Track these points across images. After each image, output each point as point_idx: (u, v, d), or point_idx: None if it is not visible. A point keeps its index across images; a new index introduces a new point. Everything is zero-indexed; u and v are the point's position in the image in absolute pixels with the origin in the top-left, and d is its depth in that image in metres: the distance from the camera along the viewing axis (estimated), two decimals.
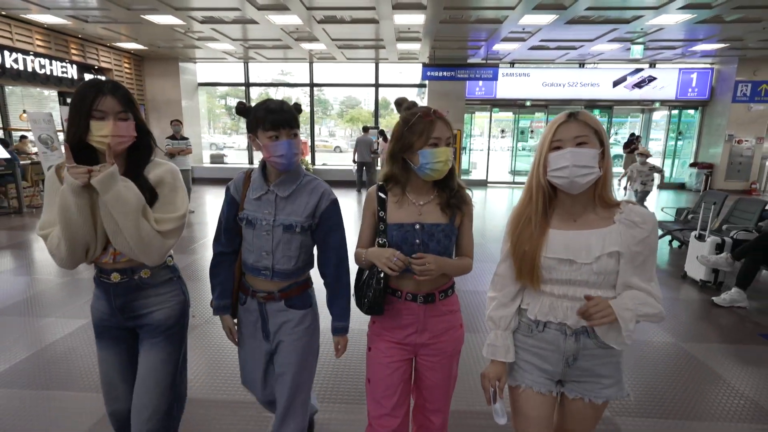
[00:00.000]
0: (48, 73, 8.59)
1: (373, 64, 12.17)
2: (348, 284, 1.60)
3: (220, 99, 18.49)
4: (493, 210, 9.09)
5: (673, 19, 7.26)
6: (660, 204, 9.35)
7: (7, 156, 7.44)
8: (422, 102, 12.61)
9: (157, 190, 1.42)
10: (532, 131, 13.23)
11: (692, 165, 12.05)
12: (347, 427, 2.23)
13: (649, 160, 6.89)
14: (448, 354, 1.54)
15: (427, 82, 11.24)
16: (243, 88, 12.84)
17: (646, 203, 7.09)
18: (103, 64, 10.15)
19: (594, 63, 11.76)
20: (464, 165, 12.54)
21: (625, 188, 7.19)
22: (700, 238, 4.38)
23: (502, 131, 14.19)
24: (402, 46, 9.82)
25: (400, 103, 1.54)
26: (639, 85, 11.74)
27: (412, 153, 1.41)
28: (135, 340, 1.54)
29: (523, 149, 13.17)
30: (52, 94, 9.82)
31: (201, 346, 3.03)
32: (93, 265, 1.47)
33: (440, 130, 1.40)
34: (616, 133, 13.64)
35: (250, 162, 13.36)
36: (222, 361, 2.82)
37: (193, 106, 12.63)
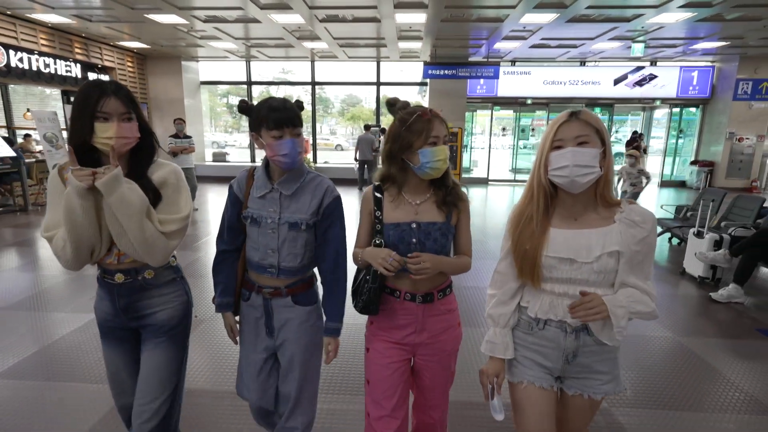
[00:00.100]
0: (52, 72, 8.66)
1: (375, 63, 12.21)
2: (344, 283, 1.59)
3: (221, 97, 18.51)
4: (494, 208, 9.14)
5: (673, 17, 7.29)
6: (660, 201, 9.39)
7: (13, 154, 7.51)
8: (423, 100, 12.65)
9: (160, 191, 1.42)
10: (533, 129, 13.23)
11: (693, 163, 12.06)
12: (352, 417, 2.30)
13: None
14: (447, 353, 1.54)
15: (428, 80, 11.27)
16: (245, 86, 12.91)
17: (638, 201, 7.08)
18: (107, 63, 10.21)
19: (595, 61, 11.78)
20: (465, 163, 12.56)
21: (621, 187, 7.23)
22: (699, 235, 4.43)
23: (503, 129, 14.19)
24: (403, 45, 9.85)
25: (393, 103, 1.51)
26: (640, 83, 11.75)
27: (412, 152, 1.41)
28: (139, 340, 1.54)
29: (524, 147, 13.17)
30: (54, 92, 9.88)
31: (206, 340, 3.09)
32: (96, 266, 1.47)
33: (438, 129, 1.40)
34: (617, 131, 13.64)
35: (252, 160, 13.42)
36: (226, 355, 2.88)
37: (196, 105, 12.70)
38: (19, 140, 8.89)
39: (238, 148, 17.50)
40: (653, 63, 11.77)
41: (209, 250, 5.37)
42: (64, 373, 2.67)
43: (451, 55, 10.83)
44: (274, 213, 1.52)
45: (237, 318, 1.70)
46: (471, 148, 12.95)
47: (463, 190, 1.53)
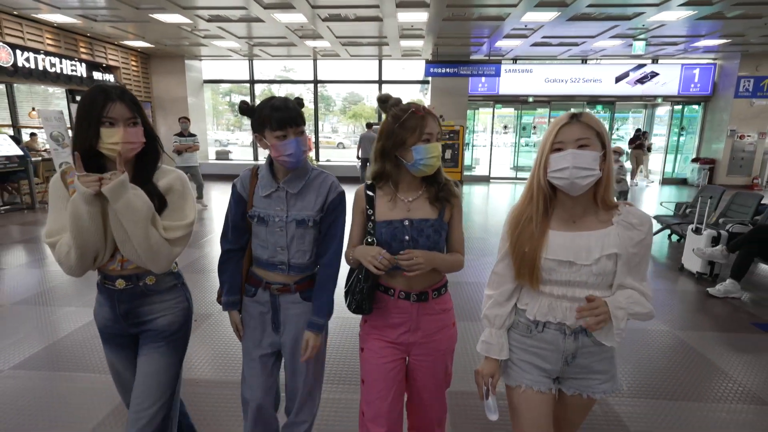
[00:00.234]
0: (58, 71, 8.75)
1: (377, 61, 12.26)
2: (335, 278, 1.58)
3: (223, 96, 18.61)
4: (496, 205, 9.19)
5: (674, 15, 7.32)
6: (661, 199, 9.43)
7: (20, 153, 7.61)
8: (425, 98, 12.70)
9: (166, 198, 1.41)
10: (534, 127, 13.28)
11: (694, 160, 12.09)
12: (355, 405, 2.36)
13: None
14: (441, 353, 1.52)
15: (430, 78, 11.32)
16: (247, 84, 12.98)
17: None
18: (111, 62, 10.30)
19: (596, 59, 11.80)
20: (467, 161, 12.61)
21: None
22: (697, 231, 4.48)
23: (505, 127, 14.24)
24: (405, 43, 9.90)
25: (385, 99, 1.47)
26: (641, 80, 11.78)
27: (405, 149, 1.40)
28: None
29: (526, 145, 13.24)
30: (57, 91, 9.98)
31: (210, 334, 3.16)
32: (96, 271, 1.45)
33: (431, 125, 1.40)
34: (618, 129, 13.67)
35: (255, 158, 13.51)
36: (230, 348, 2.95)
37: (199, 103, 12.78)
38: (25, 139, 8.99)
39: (241, 147, 17.59)
40: (655, 61, 11.78)
41: (213, 248, 5.44)
42: (76, 365, 2.75)
43: (453, 54, 10.87)
44: (281, 212, 1.52)
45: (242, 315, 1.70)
46: (473, 146, 13.00)
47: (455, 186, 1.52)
